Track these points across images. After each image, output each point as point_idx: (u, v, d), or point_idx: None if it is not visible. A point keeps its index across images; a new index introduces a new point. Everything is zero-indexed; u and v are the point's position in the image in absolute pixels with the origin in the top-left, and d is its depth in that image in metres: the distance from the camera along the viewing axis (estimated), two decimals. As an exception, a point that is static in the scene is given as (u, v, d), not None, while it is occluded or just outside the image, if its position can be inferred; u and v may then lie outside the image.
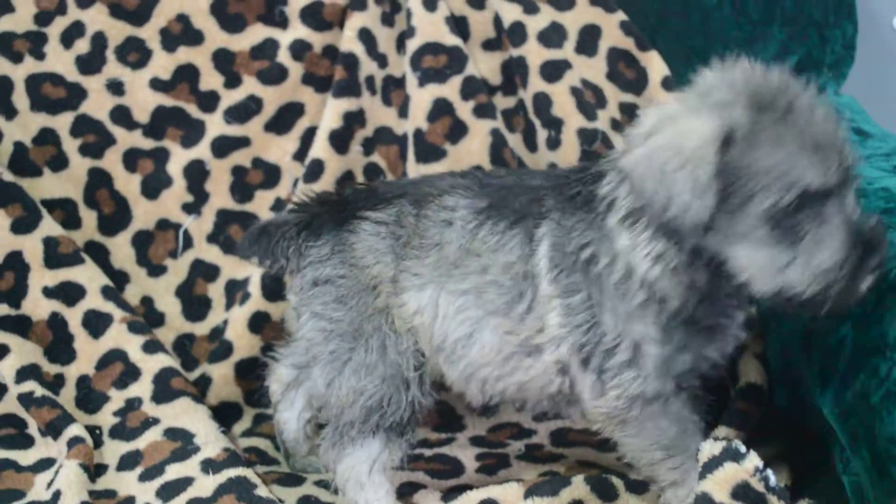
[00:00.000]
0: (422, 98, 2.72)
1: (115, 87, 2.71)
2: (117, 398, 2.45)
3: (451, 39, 2.75)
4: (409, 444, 2.14)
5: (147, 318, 2.63)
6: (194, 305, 2.70)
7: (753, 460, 1.79)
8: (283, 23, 2.78)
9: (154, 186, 2.71)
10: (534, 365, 2.03)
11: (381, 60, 2.77)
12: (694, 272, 1.85)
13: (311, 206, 2.19)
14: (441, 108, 2.72)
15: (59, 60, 2.69)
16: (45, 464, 2.29)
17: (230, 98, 2.75)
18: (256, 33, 2.78)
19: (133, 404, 2.43)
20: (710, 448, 1.84)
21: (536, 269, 1.98)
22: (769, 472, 1.78)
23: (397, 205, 2.08)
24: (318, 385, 2.14)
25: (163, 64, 2.73)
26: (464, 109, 2.72)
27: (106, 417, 2.43)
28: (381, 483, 2.12)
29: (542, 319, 1.98)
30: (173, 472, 2.23)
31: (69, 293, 2.52)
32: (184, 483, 2.19)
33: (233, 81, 2.76)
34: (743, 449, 1.82)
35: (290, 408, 2.40)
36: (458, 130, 2.71)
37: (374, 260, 2.07)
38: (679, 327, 1.90)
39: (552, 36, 2.79)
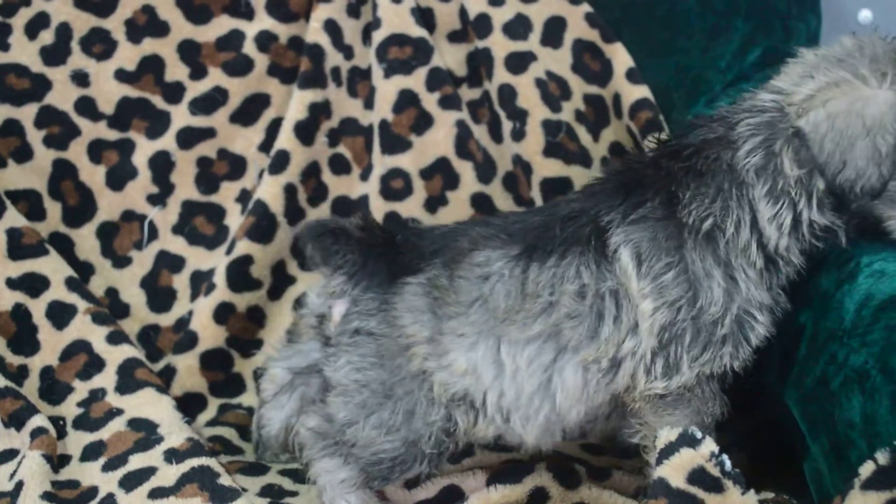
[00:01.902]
0: (387, 89, 2.73)
1: (80, 79, 2.70)
2: (81, 389, 2.44)
3: (417, 31, 2.75)
4: (387, 484, 2.14)
5: (112, 310, 2.62)
6: (159, 296, 2.69)
7: (709, 446, 1.81)
8: (248, 14, 2.78)
9: (119, 178, 2.70)
10: (615, 378, 1.98)
11: (347, 52, 2.78)
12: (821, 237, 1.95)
13: (371, 242, 2.09)
14: (407, 100, 2.72)
15: (24, 51, 2.67)
16: (8, 455, 2.28)
17: (196, 89, 2.75)
18: (222, 24, 2.78)
19: (97, 395, 2.42)
20: (666, 435, 1.85)
21: (624, 275, 1.93)
22: (724, 457, 1.80)
23: (432, 265, 2.02)
24: (338, 414, 2.08)
25: (128, 55, 2.72)
26: (429, 101, 2.73)
27: (70, 408, 2.42)
28: (353, 486, 2.12)
29: (631, 320, 1.94)
30: (136, 461, 2.22)
31: (33, 284, 2.51)
32: (147, 473, 2.18)
33: (198, 73, 2.75)
34: (699, 435, 1.83)
35: (278, 409, 2.37)
36: (423, 122, 2.72)
37: (412, 320, 2.00)
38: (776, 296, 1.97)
39: (517, 28, 2.80)
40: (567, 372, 1.96)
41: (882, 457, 1.68)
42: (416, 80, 2.74)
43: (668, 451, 1.82)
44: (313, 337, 2.19)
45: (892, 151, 1.82)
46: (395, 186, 2.69)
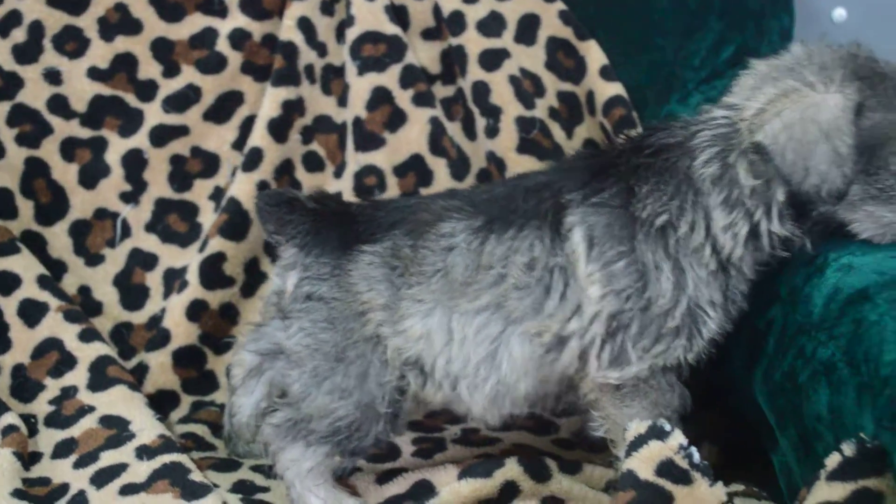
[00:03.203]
0: (361, 86, 2.73)
1: (53, 77, 2.69)
2: (53, 387, 2.43)
3: (391, 28, 2.75)
4: (353, 462, 2.16)
5: (84, 308, 2.61)
6: (132, 294, 2.69)
7: (677, 438, 1.82)
8: (222, 12, 2.78)
9: (92, 176, 2.70)
10: (560, 357, 2.01)
11: (321, 49, 2.78)
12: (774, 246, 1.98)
13: (325, 209, 2.15)
14: (380, 97, 2.72)
15: (-5, 49, 2.67)
16: (-21, 452, 2.28)
17: (169, 87, 2.74)
18: (195, 22, 2.77)
19: (69, 392, 2.42)
20: (636, 427, 1.86)
21: (573, 255, 1.97)
22: (693, 449, 1.81)
23: (392, 236, 2.06)
24: (293, 388, 2.12)
25: (100, 53, 2.72)
26: (403, 98, 2.73)
27: (41, 406, 2.41)
28: (320, 476, 2.13)
29: (576, 301, 1.97)
30: (108, 458, 2.22)
31: (4, 282, 2.50)
32: (118, 469, 2.18)
33: (171, 70, 2.75)
34: (668, 427, 1.84)
35: (248, 394, 2.38)
36: (396, 119, 2.72)
37: (367, 287, 2.05)
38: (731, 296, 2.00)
39: (491, 25, 2.80)
40: (513, 344, 2.00)
41: (848, 448, 1.69)
42: (389, 78, 2.73)
43: (637, 443, 1.83)
44: (275, 315, 2.20)
45: (851, 152, 1.83)
46: (368, 183, 2.69)
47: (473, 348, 2.01)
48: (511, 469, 2.08)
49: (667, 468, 1.78)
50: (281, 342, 2.14)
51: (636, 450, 1.81)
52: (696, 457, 1.80)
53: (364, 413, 2.07)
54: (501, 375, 2.02)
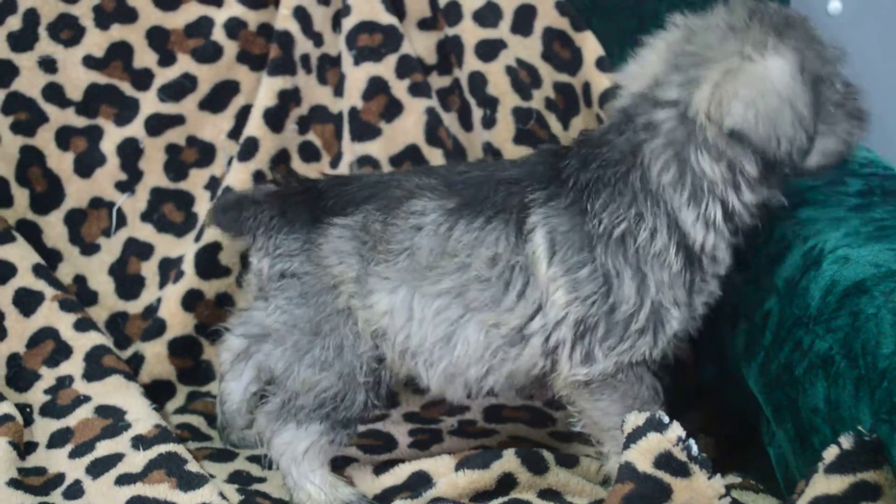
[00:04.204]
0: (357, 76, 2.72)
1: (48, 65, 2.67)
2: (48, 376, 2.43)
3: (387, 18, 2.74)
4: (349, 436, 2.16)
5: (80, 297, 2.61)
6: (127, 284, 2.69)
7: (676, 430, 1.83)
8: (217, 1, 2.76)
9: (87, 164, 2.69)
10: (522, 353, 2.04)
11: (317, 39, 2.77)
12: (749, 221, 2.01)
13: (288, 192, 2.18)
14: (376, 87, 2.72)
15: (-10, 37, 2.66)
16: (-25, 442, 2.28)
17: (164, 76, 2.73)
18: (191, 11, 2.75)
19: (64, 382, 2.41)
20: (634, 419, 1.87)
21: (533, 255, 2.00)
22: (691, 441, 1.82)
23: (363, 210, 2.08)
24: (277, 367, 2.14)
25: (96, 41, 2.70)
26: (399, 88, 2.72)
27: (37, 395, 2.41)
28: (315, 459, 2.14)
29: (537, 303, 2.01)
30: (104, 448, 2.22)
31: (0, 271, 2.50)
32: (114, 459, 2.18)
33: (167, 59, 2.74)
34: (666, 419, 1.85)
35: (237, 378, 2.40)
36: (393, 109, 2.72)
37: (338, 260, 2.07)
38: (696, 290, 2.03)
39: (487, 15, 2.79)
40: (469, 330, 2.04)
41: (846, 441, 1.70)
42: (385, 68, 2.73)
43: (636, 435, 1.83)
44: (257, 296, 2.22)
45: (809, 109, 1.87)
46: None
47: (431, 329, 2.05)
48: (509, 461, 2.09)
49: (665, 460, 1.79)
50: (263, 322, 2.17)
51: (634, 442, 1.82)
52: (695, 449, 1.80)
53: (346, 383, 2.09)
54: (454, 357, 2.06)
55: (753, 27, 1.90)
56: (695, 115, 1.90)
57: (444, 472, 2.11)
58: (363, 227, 2.07)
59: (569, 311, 1.99)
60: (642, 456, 1.79)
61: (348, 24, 2.75)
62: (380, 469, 2.21)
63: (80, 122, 2.69)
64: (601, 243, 1.97)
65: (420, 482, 2.13)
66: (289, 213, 2.13)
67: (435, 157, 2.71)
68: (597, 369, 2.01)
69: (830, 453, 1.71)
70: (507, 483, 2.09)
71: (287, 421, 2.13)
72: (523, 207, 2.02)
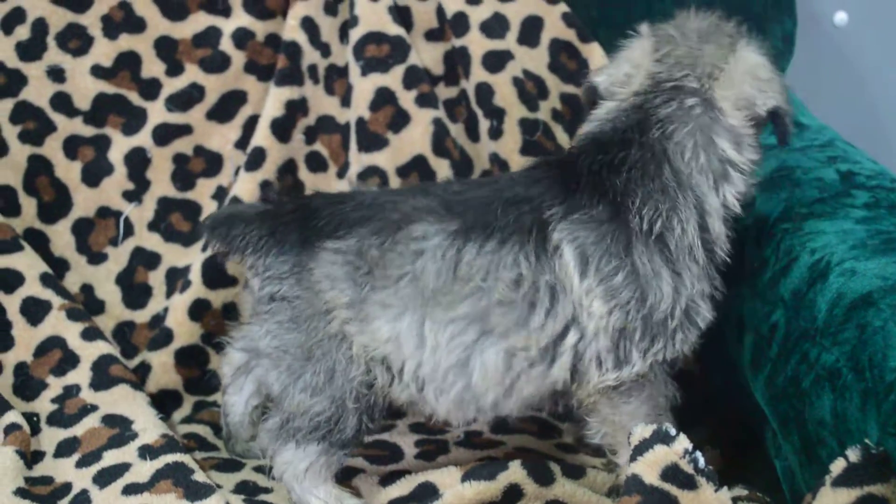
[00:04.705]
0: (364, 87, 2.72)
1: (56, 74, 2.68)
2: (55, 385, 2.43)
3: (394, 29, 2.75)
4: (346, 455, 2.15)
5: (87, 306, 2.60)
6: (134, 293, 2.68)
7: (683, 443, 1.82)
8: (225, 11, 2.77)
9: (95, 174, 2.69)
10: (550, 371, 2.03)
11: (324, 49, 2.77)
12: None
13: (279, 210, 2.14)
14: (383, 98, 2.72)
15: (-1, 47, 2.67)
16: (-19, 450, 2.28)
17: (172, 86, 2.73)
18: (199, 21, 2.76)
19: (71, 391, 2.42)
20: (640, 431, 1.86)
21: (563, 272, 1.98)
22: (698, 454, 1.81)
23: (357, 234, 2.04)
24: (274, 387, 2.13)
25: (104, 51, 2.71)
26: (406, 99, 2.72)
27: (44, 404, 2.41)
28: (318, 477, 2.14)
29: (568, 318, 1.99)
30: (110, 458, 2.22)
31: (7, 280, 2.50)
32: (121, 469, 2.18)
33: (175, 69, 2.74)
34: (673, 432, 1.84)
35: (238, 392, 2.39)
36: (400, 120, 2.72)
37: (330, 286, 2.04)
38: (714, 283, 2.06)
39: (495, 27, 2.80)
40: (488, 354, 2.00)
41: (853, 454, 1.69)
42: (393, 78, 2.73)
43: (642, 447, 1.83)
44: (254, 314, 2.21)
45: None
46: (371, 184, 2.69)
47: (445, 355, 2.01)
48: (515, 472, 2.08)
49: (672, 473, 1.78)
50: (257, 344, 2.15)
51: (641, 454, 1.82)
52: (702, 461, 1.80)
53: (338, 407, 2.07)
54: (471, 383, 2.03)
55: (721, 31, 2.09)
56: (718, 102, 2.00)
57: (451, 484, 2.11)
58: (357, 252, 2.03)
59: (609, 320, 1.97)
60: (649, 468, 1.79)
61: (356, 34, 2.75)
62: (386, 480, 2.21)
63: (88, 131, 2.70)
64: (640, 244, 1.96)
65: (426, 493, 2.12)
66: (278, 233, 2.09)
67: (442, 167, 2.71)
68: (630, 371, 2.01)
69: (837, 466, 1.70)
70: (513, 494, 2.08)
71: (287, 440, 2.12)
72: (542, 225, 1.99)
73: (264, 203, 2.19)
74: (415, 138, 2.72)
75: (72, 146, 2.69)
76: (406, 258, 2.01)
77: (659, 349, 2.00)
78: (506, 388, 2.04)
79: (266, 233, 2.10)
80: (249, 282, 2.22)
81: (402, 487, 2.18)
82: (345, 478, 2.24)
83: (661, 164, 1.99)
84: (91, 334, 2.49)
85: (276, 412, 2.16)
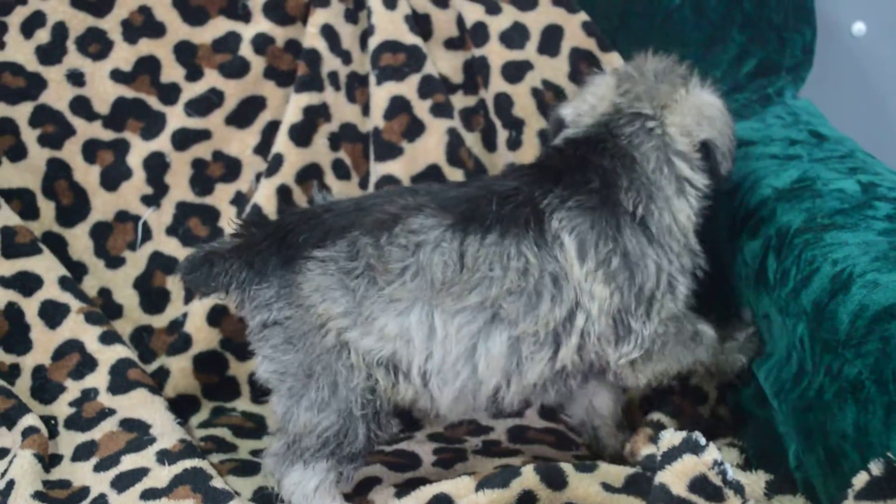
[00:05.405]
0: (379, 96, 2.72)
1: (76, 78, 2.69)
2: (73, 388, 2.43)
3: (411, 38, 2.75)
4: (356, 468, 2.15)
5: (105, 310, 2.60)
6: (153, 298, 2.69)
7: (712, 453, 1.82)
8: (245, 16, 2.77)
9: (113, 178, 2.70)
10: (557, 354, 2.08)
11: (345, 57, 2.77)
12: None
13: (251, 240, 2.12)
14: (398, 106, 2.72)
15: (19, 50, 2.66)
16: (-1, 453, 2.28)
17: (191, 91, 2.74)
18: (219, 26, 2.77)
19: (89, 395, 2.41)
20: (670, 438, 1.86)
21: (565, 258, 2.05)
22: (727, 465, 1.80)
23: (348, 238, 2.04)
24: (278, 413, 2.13)
25: (124, 55, 2.71)
26: (421, 108, 2.72)
27: (61, 408, 2.41)
28: (327, 495, 2.13)
29: (572, 302, 2.05)
30: (128, 462, 2.22)
31: (26, 283, 2.50)
32: (139, 473, 2.18)
33: (194, 74, 2.75)
34: (703, 441, 1.84)
35: None
36: (414, 129, 2.72)
37: (321, 298, 2.03)
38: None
39: (514, 36, 2.79)
40: (493, 341, 2.04)
41: (876, 467, 1.69)
42: (408, 87, 2.73)
43: (671, 456, 1.82)
44: None
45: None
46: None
47: (454, 344, 2.03)
48: (528, 478, 2.07)
49: (700, 484, 1.77)
50: (258, 377, 2.15)
51: (669, 463, 1.81)
52: (730, 473, 1.79)
53: (346, 419, 2.07)
54: (476, 370, 2.05)
55: (674, 72, 2.29)
56: (667, 128, 2.21)
57: (465, 494, 2.09)
58: (348, 255, 2.03)
59: (611, 301, 2.06)
60: (677, 479, 1.78)
61: (373, 43, 2.75)
62: (401, 492, 2.19)
63: (107, 135, 2.70)
64: (628, 227, 2.10)
65: (440, 504, 2.12)
66: (256, 263, 2.08)
67: (456, 176, 2.71)
68: (639, 344, 2.11)
69: (860, 480, 1.70)
70: (527, 501, 2.06)
71: (294, 462, 2.11)
72: (539, 216, 2.06)
73: (234, 238, 2.15)
74: (429, 147, 2.71)
75: (91, 150, 2.69)
76: (408, 251, 2.02)
77: (654, 314, 2.11)
78: (509, 374, 2.07)
79: (245, 265, 2.09)
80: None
81: (417, 499, 2.15)
82: (363, 489, 2.24)
83: (633, 162, 2.17)
84: (109, 338, 2.49)
85: (279, 436, 2.15)
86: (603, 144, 2.19)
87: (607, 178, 2.13)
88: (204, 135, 2.73)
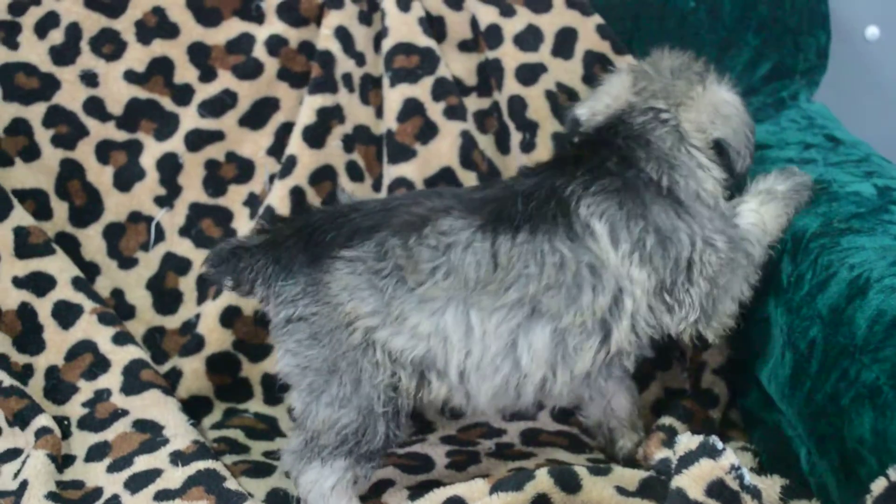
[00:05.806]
0: (392, 98, 2.72)
1: (89, 79, 2.69)
2: (86, 389, 2.43)
3: (424, 41, 2.75)
4: (373, 468, 2.15)
5: (117, 311, 2.60)
6: (165, 299, 2.68)
7: (729, 458, 1.81)
8: (259, 18, 2.77)
9: (126, 179, 2.69)
10: (609, 339, 2.08)
11: (359, 59, 2.77)
12: None
13: (278, 236, 2.14)
14: (412, 109, 2.71)
15: (33, 50, 2.66)
16: (12, 454, 2.27)
17: (205, 92, 2.73)
18: (232, 27, 2.76)
19: (102, 395, 2.42)
20: (686, 442, 1.85)
21: (598, 244, 2.04)
22: (744, 470, 1.80)
23: (376, 239, 2.05)
24: (297, 409, 2.13)
25: (137, 56, 2.71)
26: (434, 110, 2.72)
27: (74, 408, 2.41)
28: (343, 494, 2.13)
29: (613, 286, 2.05)
30: (142, 463, 2.22)
31: (39, 283, 2.50)
32: (152, 475, 2.18)
33: (208, 75, 2.74)
34: (720, 445, 1.83)
35: None
36: (428, 131, 2.71)
37: (349, 297, 2.04)
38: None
39: (528, 39, 2.79)
40: (535, 335, 2.04)
41: (894, 473, 1.68)
42: (421, 90, 2.73)
43: (688, 460, 1.82)
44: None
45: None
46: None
47: (494, 340, 2.03)
48: (542, 481, 2.06)
49: (717, 489, 1.77)
50: (279, 372, 2.16)
51: (686, 467, 1.80)
52: (748, 478, 1.79)
53: (366, 416, 2.07)
54: (519, 365, 2.05)
55: (691, 68, 2.30)
56: (682, 124, 2.22)
57: (479, 497, 2.09)
58: (377, 256, 2.04)
59: (649, 282, 2.06)
60: (694, 483, 1.78)
61: (386, 45, 2.75)
62: (414, 494, 2.18)
63: (121, 136, 2.70)
64: (656, 203, 2.09)
65: (454, 507, 2.12)
66: (283, 259, 2.09)
67: (469, 179, 2.71)
68: (694, 305, 2.11)
69: (879, 486, 1.69)
70: (541, 504, 2.08)
71: (311, 460, 2.12)
72: (565, 206, 2.06)
73: (260, 234, 2.17)
74: (442, 150, 2.71)
75: (104, 151, 2.69)
76: (438, 252, 2.03)
77: (696, 278, 2.10)
78: (554, 365, 2.06)
79: (271, 261, 2.10)
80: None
81: (431, 501, 2.15)
82: (376, 492, 2.24)
83: (648, 143, 2.18)
84: (122, 339, 2.49)
85: (298, 432, 2.15)
86: (615, 129, 2.21)
87: (624, 154, 2.14)
88: (217, 136, 2.73)
